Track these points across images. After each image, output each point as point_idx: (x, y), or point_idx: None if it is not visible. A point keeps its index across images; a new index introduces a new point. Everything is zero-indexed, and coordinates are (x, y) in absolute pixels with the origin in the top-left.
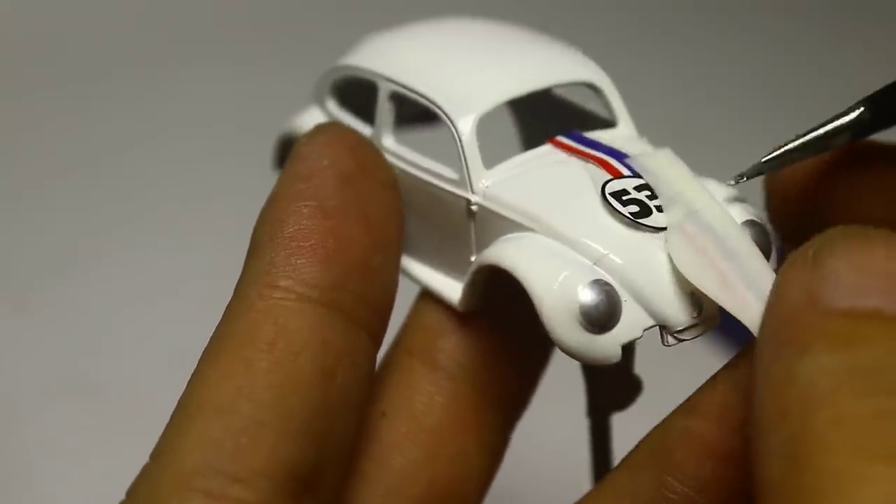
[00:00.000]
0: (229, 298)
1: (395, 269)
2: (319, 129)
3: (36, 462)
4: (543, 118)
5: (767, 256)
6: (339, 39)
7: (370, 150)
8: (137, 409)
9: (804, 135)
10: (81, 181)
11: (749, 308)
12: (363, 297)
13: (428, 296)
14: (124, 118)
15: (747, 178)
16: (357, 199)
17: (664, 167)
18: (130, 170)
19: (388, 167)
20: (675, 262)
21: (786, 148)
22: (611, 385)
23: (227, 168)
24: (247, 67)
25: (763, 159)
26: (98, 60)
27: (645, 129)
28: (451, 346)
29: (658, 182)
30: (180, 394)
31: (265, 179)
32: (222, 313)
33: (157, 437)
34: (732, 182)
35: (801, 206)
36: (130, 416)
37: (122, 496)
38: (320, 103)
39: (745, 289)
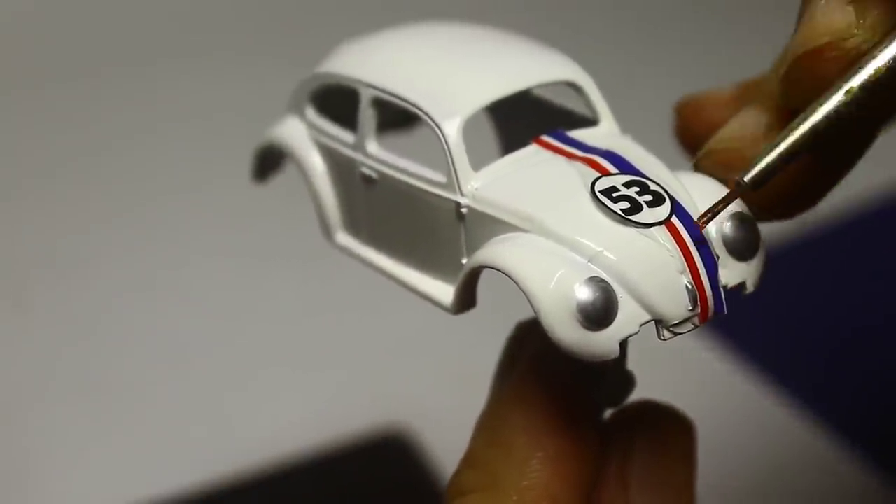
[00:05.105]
0: (228, 296)
1: None
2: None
3: (34, 461)
4: (522, 119)
5: (755, 249)
6: (332, 39)
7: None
8: (137, 408)
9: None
10: (79, 179)
11: None
12: None
13: None
14: (123, 117)
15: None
16: None
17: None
18: (129, 168)
19: None
20: None
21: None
22: (604, 381)
23: (227, 167)
24: (244, 66)
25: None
26: (94, 58)
27: (627, 126)
28: None
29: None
30: (178, 392)
31: None
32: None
33: (154, 436)
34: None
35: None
36: (130, 416)
37: (121, 495)
38: (299, 113)
39: None
